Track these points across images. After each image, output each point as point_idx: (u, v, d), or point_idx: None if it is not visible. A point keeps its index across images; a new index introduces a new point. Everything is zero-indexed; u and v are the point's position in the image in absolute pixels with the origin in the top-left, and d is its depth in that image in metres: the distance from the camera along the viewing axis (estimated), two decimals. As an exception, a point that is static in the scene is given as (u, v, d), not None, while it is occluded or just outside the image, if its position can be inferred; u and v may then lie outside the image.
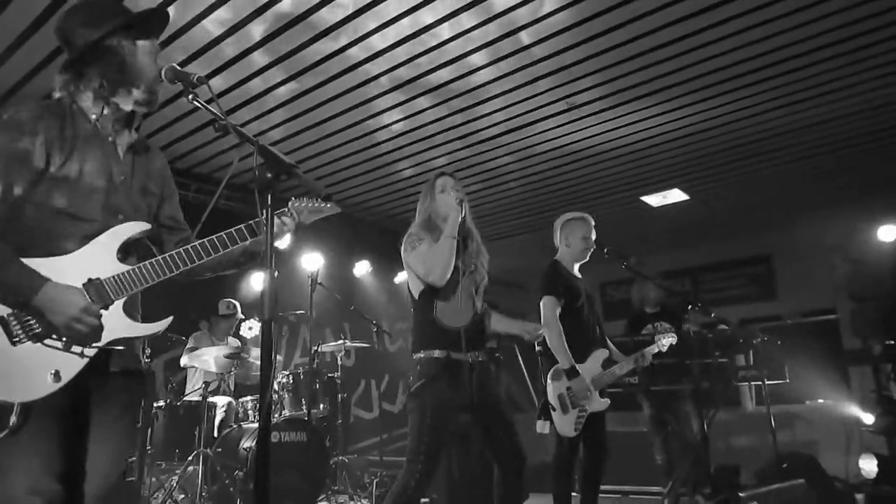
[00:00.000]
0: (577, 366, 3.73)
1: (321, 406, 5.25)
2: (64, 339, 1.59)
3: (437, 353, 2.87)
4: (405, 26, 3.99)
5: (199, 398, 4.76)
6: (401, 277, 3.04)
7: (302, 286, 5.63)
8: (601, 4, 3.86)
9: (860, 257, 6.88)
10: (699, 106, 5.13)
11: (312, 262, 6.14)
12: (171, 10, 3.65)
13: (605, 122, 5.36)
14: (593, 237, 4.01)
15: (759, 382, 4.93)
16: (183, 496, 4.49)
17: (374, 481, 5.25)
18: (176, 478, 4.51)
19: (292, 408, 5.02)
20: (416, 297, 3.01)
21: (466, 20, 3.95)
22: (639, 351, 4.02)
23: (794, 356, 6.28)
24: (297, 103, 4.85)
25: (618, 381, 4.03)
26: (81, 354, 1.61)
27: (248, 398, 5.07)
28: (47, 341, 1.58)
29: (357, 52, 4.24)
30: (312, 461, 4.56)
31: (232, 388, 5.42)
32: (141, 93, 1.81)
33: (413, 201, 6.66)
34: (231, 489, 4.33)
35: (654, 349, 4.12)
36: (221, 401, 5.13)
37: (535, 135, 5.56)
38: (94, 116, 1.78)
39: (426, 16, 3.90)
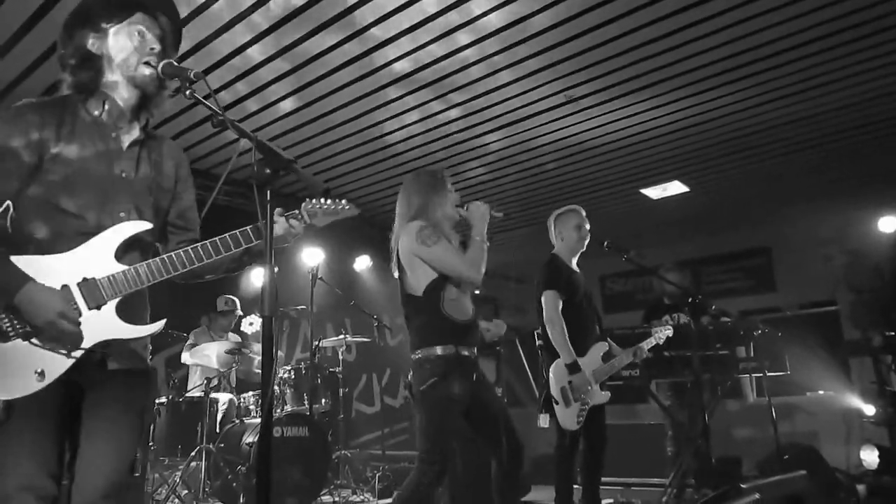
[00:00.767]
0: (578, 360, 3.75)
1: (323, 401, 5.26)
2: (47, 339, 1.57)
3: (445, 349, 2.81)
4: (403, 20, 3.98)
5: (201, 394, 4.78)
6: (405, 272, 2.96)
7: (302, 281, 5.63)
8: (598, -3, 3.84)
9: (859, 248, 6.89)
10: (696, 98, 5.11)
11: (313, 257, 6.15)
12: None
13: (603, 114, 5.35)
14: (587, 226, 4.04)
15: (760, 374, 4.94)
16: (186, 492, 4.51)
17: (377, 475, 5.28)
18: (179, 473, 4.53)
19: (294, 403, 5.04)
20: (422, 291, 2.91)
21: (461, 15, 3.94)
22: (636, 345, 4.05)
23: (794, 348, 6.29)
24: (298, 96, 4.84)
25: (618, 373, 4.06)
26: (68, 355, 1.58)
27: (250, 394, 5.09)
28: (34, 340, 1.56)
29: (356, 46, 4.23)
30: (314, 456, 4.58)
31: (233, 384, 5.43)
32: (122, 77, 1.75)
33: (413, 196, 6.69)
34: (234, 484, 4.34)
35: (652, 342, 4.14)
36: (223, 397, 5.15)
37: (535, 128, 5.55)
38: (96, 112, 1.76)
39: (428, 7, 3.88)
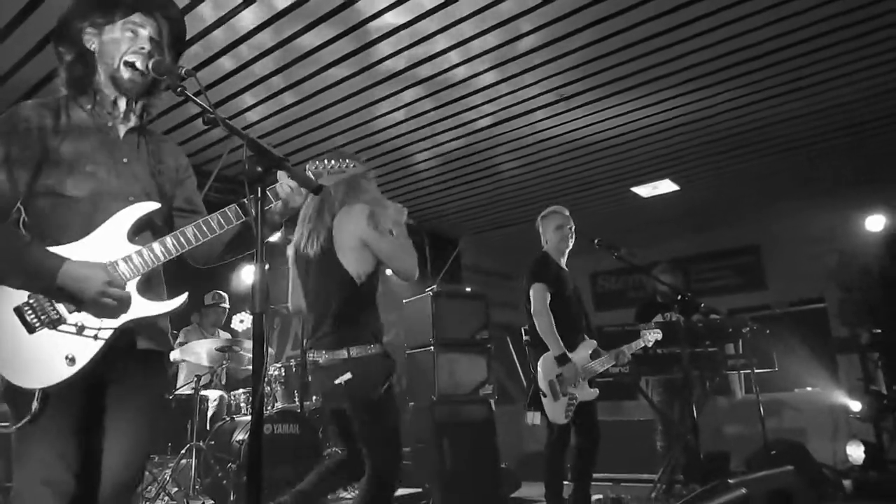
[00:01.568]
0: (568, 354, 3.77)
1: (313, 398, 5.25)
2: (77, 323, 1.59)
3: (380, 349, 2.67)
4: (396, 17, 3.98)
5: (191, 391, 4.76)
6: (347, 255, 2.72)
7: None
8: (590, -5, 3.86)
9: (848, 247, 6.95)
10: (686, 97, 5.15)
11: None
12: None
13: (593, 113, 5.36)
14: (569, 226, 4.07)
15: (749, 371, 4.99)
16: (176, 489, 4.49)
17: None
18: (169, 471, 4.51)
19: (285, 400, 5.03)
20: (362, 280, 2.71)
21: (457, 12, 3.95)
22: (619, 348, 4.07)
23: (782, 345, 6.34)
24: (291, 92, 4.83)
25: (608, 370, 4.08)
26: (95, 337, 1.60)
27: (240, 391, 5.07)
28: (62, 327, 1.58)
29: (348, 43, 4.22)
30: (305, 453, 4.57)
31: (223, 382, 5.42)
32: (104, 76, 1.77)
33: (401, 193, 6.69)
34: (224, 482, 4.33)
35: (640, 343, 4.17)
36: (213, 394, 5.13)
37: (526, 126, 5.56)
38: (88, 106, 1.78)
39: (420, 5, 3.89)
